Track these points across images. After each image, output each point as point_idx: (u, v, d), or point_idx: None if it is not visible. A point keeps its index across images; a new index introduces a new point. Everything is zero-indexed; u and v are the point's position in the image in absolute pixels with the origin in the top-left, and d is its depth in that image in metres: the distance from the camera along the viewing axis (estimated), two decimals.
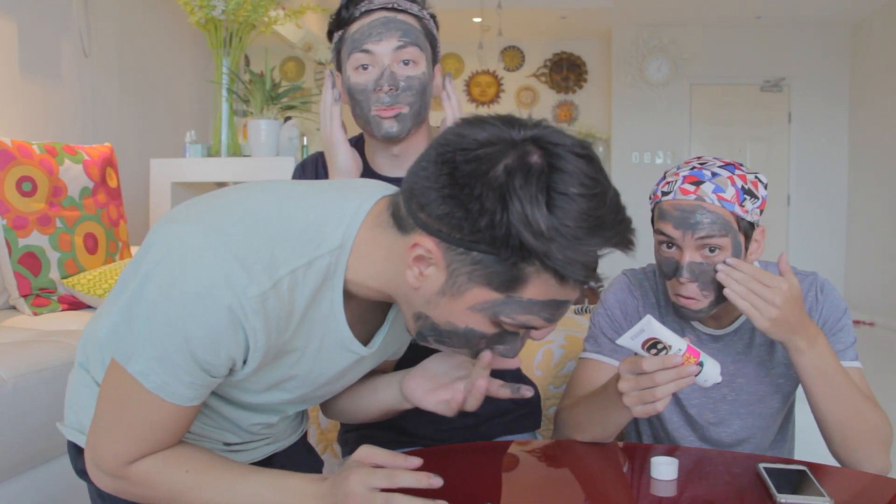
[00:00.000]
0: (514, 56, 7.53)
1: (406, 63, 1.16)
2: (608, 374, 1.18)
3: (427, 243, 0.73)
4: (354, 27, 1.17)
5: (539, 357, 1.74)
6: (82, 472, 0.93)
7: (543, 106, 7.48)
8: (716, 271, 1.08)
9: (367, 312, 0.89)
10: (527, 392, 0.91)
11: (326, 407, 1.09)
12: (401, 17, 1.17)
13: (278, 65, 5.85)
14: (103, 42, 3.04)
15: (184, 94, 3.68)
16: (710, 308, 1.12)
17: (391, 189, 0.87)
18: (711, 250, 1.08)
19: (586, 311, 2.41)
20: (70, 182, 2.12)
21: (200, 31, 3.05)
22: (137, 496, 0.84)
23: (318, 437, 1.73)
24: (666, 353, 0.92)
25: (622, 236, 0.72)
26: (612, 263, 0.82)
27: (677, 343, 0.92)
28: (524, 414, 1.34)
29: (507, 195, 0.68)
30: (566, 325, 1.91)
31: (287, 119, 3.13)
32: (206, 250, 0.73)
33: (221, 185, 3.31)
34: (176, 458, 0.82)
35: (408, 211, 0.76)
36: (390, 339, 0.95)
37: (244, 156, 3.08)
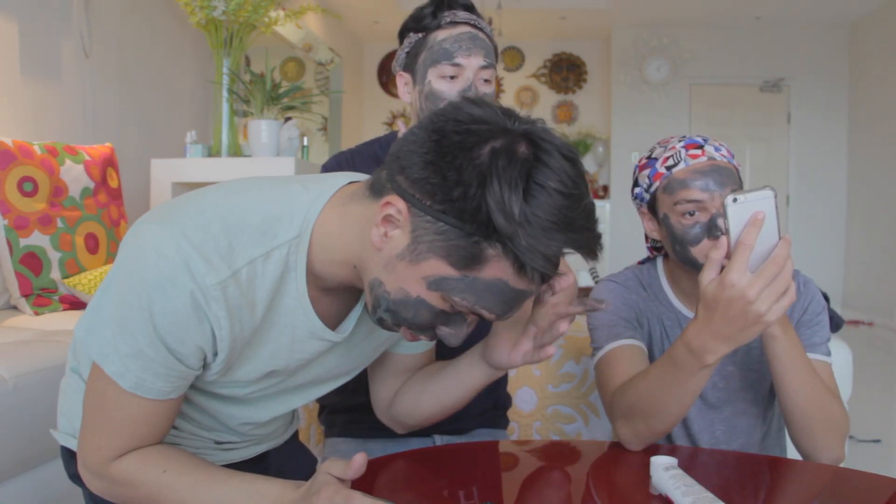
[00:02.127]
0: (513, 56, 7.53)
1: (486, 81, 1.25)
2: (632, 352, 1.16)
3: (399, 204, 0.74)
4: (440, 35, 1.24)
5: None
6: (75, 477, 0.94)
7: (543, 106, 7.49)
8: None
9: (345, 306, 0.90)
10: (600, 304, 0.88)
11: (409, 417, 1.06)
12: (481, 35, 1.26)
13: (278, 65, 5.85)
14: (104, 42, 3.04)
15: (184, 95, 3.69)
16: None
17: (361, 177, 0.88)
18: None
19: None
20: (71, 182, 2.12)
21: (201, 31, 3.06)
22: (122, 497, 0.85)
23: (318, 436, 1.73)
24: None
25: (589, 243, 0.74)
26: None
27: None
28: (499, 415, 1.44)
29: (487, 173, 0.69)
30: None
31: (287, 119, 3.14)
32: (165, 242, 0.74)
33: None
34: (154, 458, 0.83)
35: (388, 174, 0.77)
36: (371, 325, 0.94)
37: (245, 156, 3.09)
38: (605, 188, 7.14)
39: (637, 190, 1.20)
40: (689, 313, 1.22)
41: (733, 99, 6.98)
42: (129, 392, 0.79)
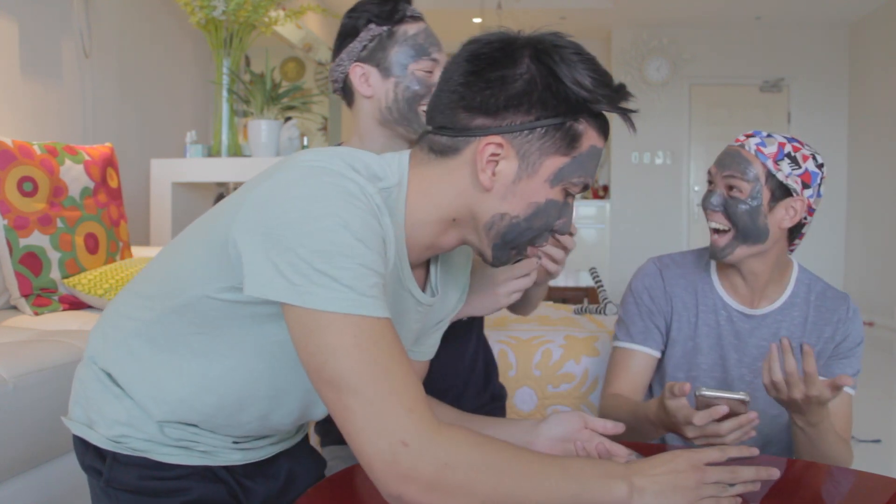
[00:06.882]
0: None
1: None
2: (640, 360, 1.32)
3: (494, 140, 0.81)
4: (410, 30, 1.28)
5: (538, 357, 1.74)
6: (89, 468, 0.93)
7: None
8: (740, 214, 1.21)
9: (416, 273, 0.93)
10: (623, 451, 0.99)
11: None
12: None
13: (278, 65, 5.85)
14: (104, 42, 3.04)
15: (184, 95, 3.69)
16: (730, 247, 1.22)
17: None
18: (731, 189, 1.23)
19: (586, 312, 2.41)
20: (71, 182, 2.12)
21: (201, 31, 3.06)
22: (458, 484, 0.70)
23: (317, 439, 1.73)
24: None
25: (624, 92, 0.84)
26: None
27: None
28: (498, 406, 1.48)
29: (550, 66, 0.81)
30: (566, 326, 1.91)
31: (287, 119, 3.13)
32: (328, 167, 0.77)
33: (222, 185, 3.32)
34: (476, 436, 0.73)
35: (455, 130, 0.83)
36: (445, 284, 1.01)
37: (244, 156, 3.09)
38: (605, 188, 7.13)
39: None
40: (728, 300, 1.30)
41: (733, 99, 6.98)
42: (369, 318, 0.71)
